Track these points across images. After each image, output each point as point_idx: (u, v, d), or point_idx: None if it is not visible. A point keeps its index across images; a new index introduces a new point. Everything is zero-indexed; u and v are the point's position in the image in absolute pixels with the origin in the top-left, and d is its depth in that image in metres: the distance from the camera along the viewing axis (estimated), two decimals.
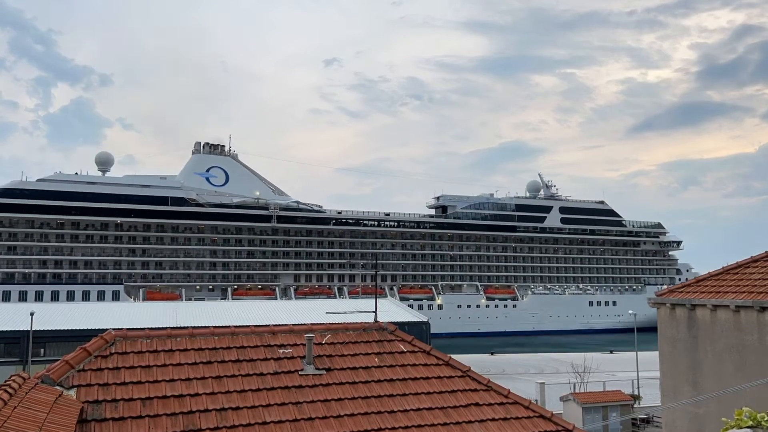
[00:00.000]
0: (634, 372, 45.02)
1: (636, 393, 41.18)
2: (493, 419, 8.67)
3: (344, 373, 9.19)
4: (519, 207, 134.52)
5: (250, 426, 7.81)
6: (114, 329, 9.38)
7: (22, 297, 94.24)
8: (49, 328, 44.48)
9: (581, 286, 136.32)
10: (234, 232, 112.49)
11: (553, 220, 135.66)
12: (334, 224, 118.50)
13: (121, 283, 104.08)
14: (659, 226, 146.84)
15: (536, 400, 35.34)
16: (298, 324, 10.57)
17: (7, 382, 6.85)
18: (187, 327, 9.96)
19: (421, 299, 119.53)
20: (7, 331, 44.10)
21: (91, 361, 8.44)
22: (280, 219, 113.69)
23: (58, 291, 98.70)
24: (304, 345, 9.51)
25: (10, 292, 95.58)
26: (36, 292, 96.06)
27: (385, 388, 9.00)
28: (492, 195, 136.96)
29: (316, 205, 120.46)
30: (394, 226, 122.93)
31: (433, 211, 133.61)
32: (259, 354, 9.28)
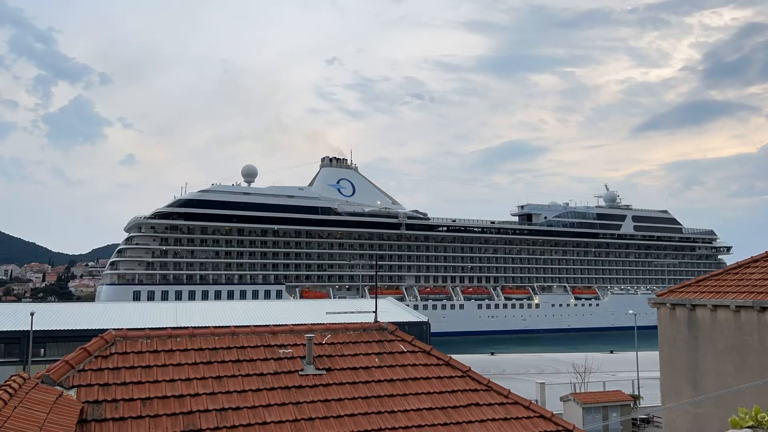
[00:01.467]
0: (635, 372, 45.00)
1: (636, 393, 41.17)
2: (494, 419, 8.67)
3: (344, 373, 9.19)
4: (599, 216, 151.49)
5: (251, 426, 7.81)
6: (114, 329, 9.38)
7: (204, 296, 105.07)
8: (50, 329, 44.45)
9: (649, 287, 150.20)
10: (367, 238, 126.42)
11: (627, 227, 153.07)
12: (446, 231, 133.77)
13: (282, 284, 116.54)
14: (711, 233, 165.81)
15: (536, 401, 35.33)
16: (298, 324, 10.57)
17: (8, 382, 6.85)
18: (188, 327, 9.96)
19: (521, 299, 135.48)
20: (7, 331, 44.07)
21: (91, 362, 8.44)
22: (408, 227, 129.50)
23: (233, 290, 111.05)
24: (305, 345, 9.51)
25: (194, 291, 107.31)
26: (215, 291, 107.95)
27: (386, 388, 9.00)
28: (567, 204, 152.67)
29: (422, 213, 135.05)
30: (494, 233, 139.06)
31: (516, 218, 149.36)
32: (259, 354, 9.28)
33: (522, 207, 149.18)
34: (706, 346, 14.35)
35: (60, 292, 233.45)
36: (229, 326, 9.94)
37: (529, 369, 63.41)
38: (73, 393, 7.77)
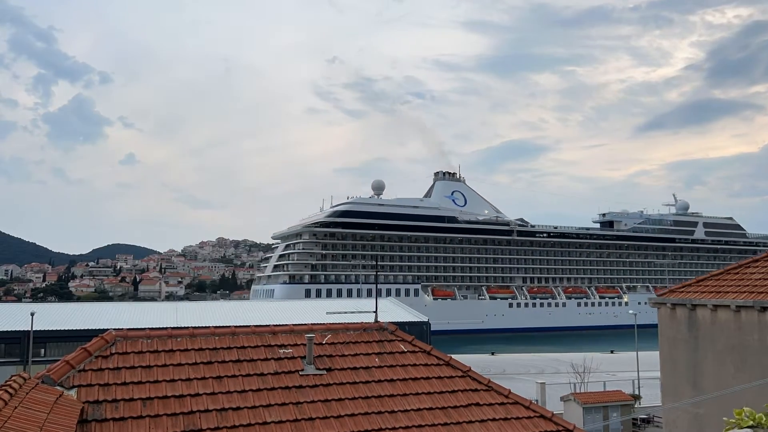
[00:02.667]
0: (635, 372, 44.99)
1: (636, 393, 41.15)
2: (494, 419, 8.67)
3: (345, 373, 9.19)
4: (674, 222, 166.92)
5: (251, 426, 7.81)
6: (114, 329, 9.38)
7: (358, 293, 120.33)
8: (50, 329, 44.45)
9: None
10: (481, 243, 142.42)
11: (699, 233, 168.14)
12: (547, 236, 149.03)
13: (418, 283, 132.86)
14: None
15: (537, 400, 35.32)
16: (299, 324, 10.57)
17: (8, 383, 6.85)
18: (188, 327, 9.96)
19: (612, 297, 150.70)
20: (7, 331, 44.07)
21: (91, 361, 8.45)
22: (518, 233, 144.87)
23: (381, 289, 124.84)
24: (305, 345, 9.51)
25: (351, 289, 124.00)
26: (367, 289, 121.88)
27: (386, 388, 9.00)
28: (642, 212, 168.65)
29: (519, 219, 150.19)
30: (587, 238, 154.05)
31: (598, 225, 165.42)
32: (259, 354, 9.28)
33: (603, 215, 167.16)
34: (707, 346, 14.35)
35: (60, 292, 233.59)
36: (229, 326, 9.94)
37: (529, 369, 63.41)
38: (73, 393, 7.78)
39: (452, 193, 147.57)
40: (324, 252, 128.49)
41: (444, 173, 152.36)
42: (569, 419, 23.96)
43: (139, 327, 27.93)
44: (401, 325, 11.99)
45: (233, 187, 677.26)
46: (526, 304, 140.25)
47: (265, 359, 9.18)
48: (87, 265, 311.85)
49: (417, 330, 48.51)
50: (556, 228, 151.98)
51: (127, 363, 8.55)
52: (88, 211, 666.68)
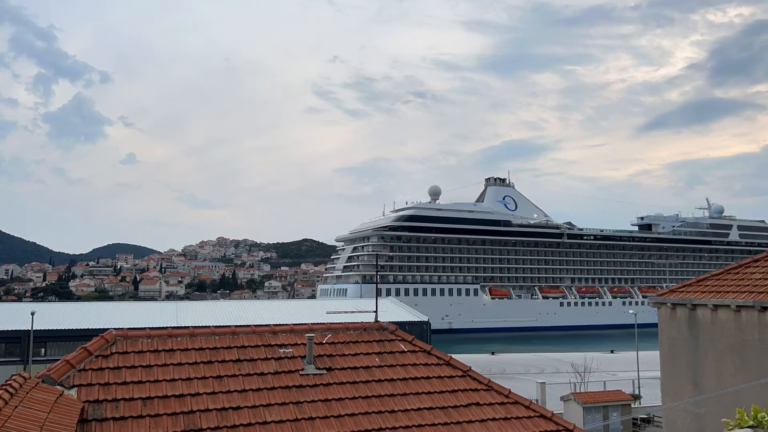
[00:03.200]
0: (635, 372, 44.97)
1: (637, 393, 41.13)
2: (494, 419, 8.67)
3: (345, 372, 9.19)
4: (711, 225, 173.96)
5: (251, 425, 7.81)
6: (115, 329, 9.38)
7: (424, 292, 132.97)
8: (50, 328, 44.45)
9: None
10: (533, 246, 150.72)
11: (733, 235, 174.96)
12: (593, 239, 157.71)
13: (477, 283, 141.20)
14: None
15: (537, 400, 35.32)
16: (299, 323, 10.57)
17: (8, 382, 6.85)
18: (188, 327, 9.96)
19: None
20: (7, 331, 44.08)
21: (91, 361, 8.44)
22: (568, 236, 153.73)
23: (443, 288, 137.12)
24: (305, 344, 9.50)
25: (417, 288, 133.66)
26: (431, 289, 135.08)
27: (386, 387, 9.00)
28: (678, 215, 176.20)
29: (567, 223, 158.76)
30: (630, 240, 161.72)
31: (637, 228, 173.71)
32: (259, 353, 9.28)
33: (642, 218, 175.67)
34: (707, 346, 14.35)
35: (60, 291, 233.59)
36: (229, 326, 9.94)
37: (529, 369, 63.39)
38: (73, 392, 7.78)
39: (503, 198, 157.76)
40: (390, 254, 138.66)
41: (495, 179, 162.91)
42: (569, 419, 24.00)
43: (140, 326, 27.90)
44: (401, 325, 11.99)
45: (233, 186, 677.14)
46: (576, 303, 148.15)
47: (265, 359, 9.18)
48: (87, 265, 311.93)
49: (417, 330, 48.53)
50: (601, 231, 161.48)
51: (128, 362, 8.55)
52: (89, 210, 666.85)
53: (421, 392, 8.99)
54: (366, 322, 10.60)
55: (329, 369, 9.19)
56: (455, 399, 8.98)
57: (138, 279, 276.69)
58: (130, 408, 7.73)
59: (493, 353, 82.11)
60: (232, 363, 8.95)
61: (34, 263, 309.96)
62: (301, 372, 9.00)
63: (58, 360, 8.51)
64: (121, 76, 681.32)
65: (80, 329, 42.39)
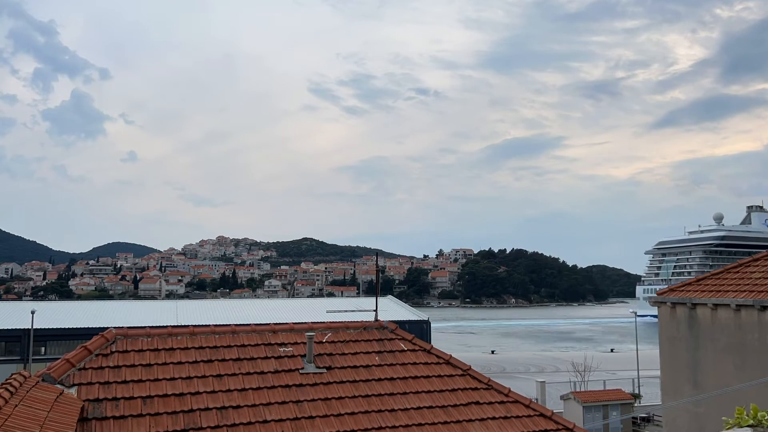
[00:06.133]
0: (635, 371, 44.99)
1: (636, 392, 41.16)
2: (494, 418, 8.67)
3: (345, 371, 9.19)
4: None
5: (251, 424, 7.81)
6: (115, 328, 9.38)
7: None
8: (50, 327, 44.47)
9: None
10: None
11: None
12: None
13: None
14: None
15: (537, 399, 35.32)
16: (299, 323, 10.57)
17: (8, 381, 6.86)
18: (188, 325, 9.96)
19: None
20: (8, 330, 44.11)
21: (91, 360, 8.45)
22: None
23: None
24: (305, 343, 9.50)
25: None
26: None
27: (386, 386, 9.00)
28: None
29: None
30: None
31: None
32: (259, 352, 9.28)
33: None
34: (707, 345, 14.35)
35: (61, 290, 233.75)
36: (229, 325, 9.95)
37: (529, 368, 63.44)
38: (73, 391, 7.78)
39: (765, 222, 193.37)
40: (711, 264, 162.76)
41: (756, 207, 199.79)
42: (569, 418, 23.96)
43: (140, 325, 27.91)
44: (401, 324, 11.99)
45: (233, 185, 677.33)
46: None
47: (265, 358, 9.18)
48: (87, 264, 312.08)
49: (417, 328, 48.52)
50: None
51: (128, 361, 8.56)
52: (89, 209, 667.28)
53: (421, 391, 8.99)
54: (366, 321, 10.60)
55: (329, 368, 9.19)
56: (455, 398, 8.98)
57: (138, 278, 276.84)
58: (130, 407, 7.73)
59: (493, 352, 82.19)
60: (232, 362, 8.96)
61: (34, 262, 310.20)
62: (301, 371, 9.00)
63: (58, 359, 8.52)
64: (119, 70, 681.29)
65: (80, 328, 42.44)
